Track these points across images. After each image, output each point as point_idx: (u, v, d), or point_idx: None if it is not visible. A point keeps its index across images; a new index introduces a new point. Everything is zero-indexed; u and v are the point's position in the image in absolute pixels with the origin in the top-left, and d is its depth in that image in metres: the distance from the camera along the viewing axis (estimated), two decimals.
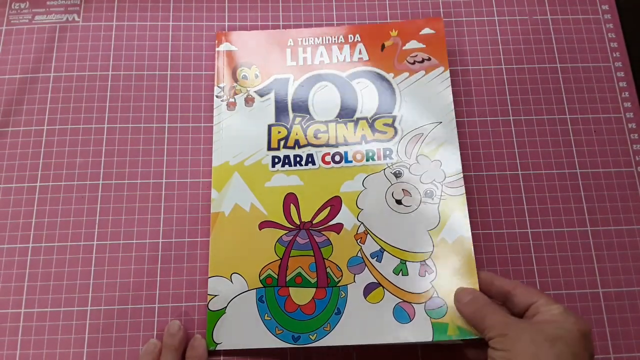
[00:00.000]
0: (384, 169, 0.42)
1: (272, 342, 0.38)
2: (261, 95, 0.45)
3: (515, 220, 0.43)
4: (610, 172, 0.45)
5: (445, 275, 0.39)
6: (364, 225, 0.41)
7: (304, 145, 0.43)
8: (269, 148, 0.43)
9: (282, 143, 0.44)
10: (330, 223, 0.41)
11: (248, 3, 0.50)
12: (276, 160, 0.43)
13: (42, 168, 0.44)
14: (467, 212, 0.41)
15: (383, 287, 0.39)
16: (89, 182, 0.43)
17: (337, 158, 0.43)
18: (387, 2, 0.50)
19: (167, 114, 0.45)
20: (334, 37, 0.47)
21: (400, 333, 0.38)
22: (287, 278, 0.40)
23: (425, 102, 0.44)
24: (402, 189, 0.42)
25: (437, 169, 0.42)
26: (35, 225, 0.42)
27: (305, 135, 0.44)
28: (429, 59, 0.45)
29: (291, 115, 0.44)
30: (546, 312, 0.33)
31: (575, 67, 0.48)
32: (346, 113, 0.44)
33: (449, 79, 0.44)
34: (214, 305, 0.40)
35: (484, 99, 0.47)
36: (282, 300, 0.39)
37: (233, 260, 0.41)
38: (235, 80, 0.46)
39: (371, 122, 0.44)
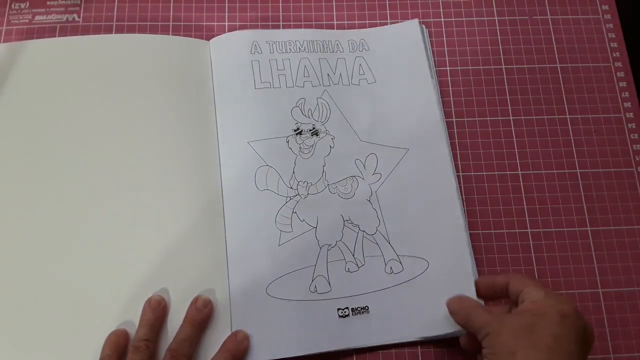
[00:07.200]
0: None
1: None
2: None
3: (515, 220, 0.43)
4: (610, 172, 0.45)
5: None
6: None
7: None
8: None
9: None
10: None
11: (248, 3, 0.50)
12: None
13: None
14: None
15: None
16: None
17: None
18: (387, 2, 0.50)
19: None
20: None
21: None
22: None
23: None
24: None
25: None
26: None
27: None
28: None
29: None
30: (528, 299, 0.33)
31: (575, 67, 0.48)
32: None
33: None
34: None
35: (484, 99, 0.47)
36: None
37: None
38: None
39: None
